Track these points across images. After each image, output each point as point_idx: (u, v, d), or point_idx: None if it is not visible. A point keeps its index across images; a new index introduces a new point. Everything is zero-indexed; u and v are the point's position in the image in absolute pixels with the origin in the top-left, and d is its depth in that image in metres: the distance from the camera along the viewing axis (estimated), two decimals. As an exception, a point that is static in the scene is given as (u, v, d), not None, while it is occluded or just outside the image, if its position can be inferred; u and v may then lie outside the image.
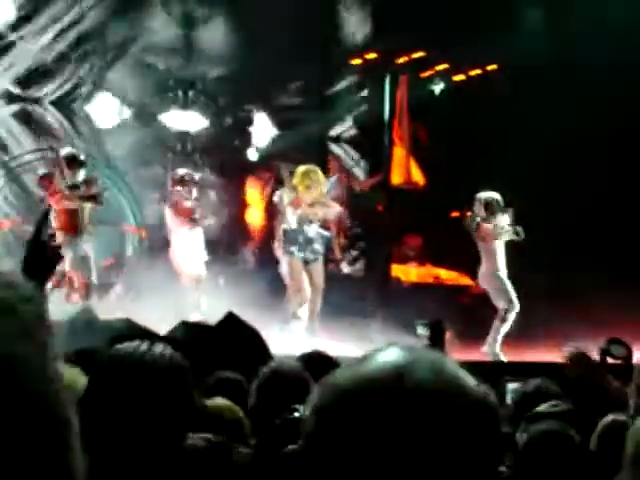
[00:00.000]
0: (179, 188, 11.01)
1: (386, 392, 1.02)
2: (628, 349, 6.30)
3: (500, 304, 10.46)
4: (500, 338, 10.43)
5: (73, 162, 10.39)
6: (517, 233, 10.52)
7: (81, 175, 10.42)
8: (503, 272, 10.48)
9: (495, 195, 10.65)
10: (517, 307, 10.43)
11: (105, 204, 10.95)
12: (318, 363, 3.93)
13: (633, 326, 9.44)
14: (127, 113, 13.45)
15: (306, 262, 10.50)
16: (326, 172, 11.82)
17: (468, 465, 1.00)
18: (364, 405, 1.02)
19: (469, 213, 11.32)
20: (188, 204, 10.95)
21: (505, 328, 10.41)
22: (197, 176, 11.50)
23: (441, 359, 1.08)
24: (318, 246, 10.58)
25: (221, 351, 4.19)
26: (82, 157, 10.61)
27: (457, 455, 1.00)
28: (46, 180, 10.45)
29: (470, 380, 1.06)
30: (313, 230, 10.54)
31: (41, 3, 12.49)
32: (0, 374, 0.87)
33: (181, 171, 11.35)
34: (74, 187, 10.24)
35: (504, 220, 10.59)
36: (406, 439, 0.99)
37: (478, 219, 10.52)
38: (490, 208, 10.51)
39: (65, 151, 10.73)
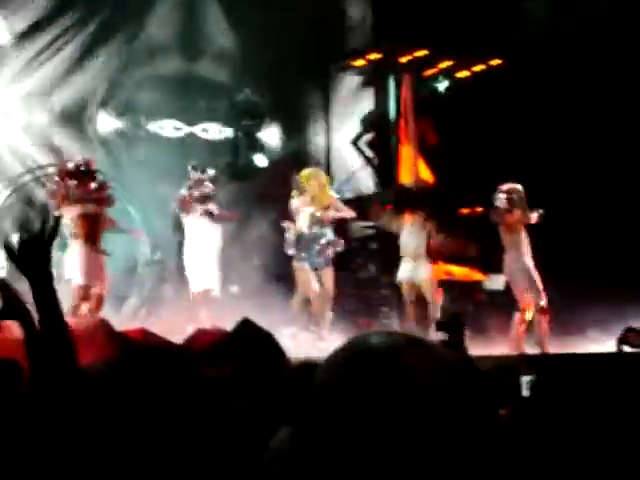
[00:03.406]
0: (196, 188, 10.80)
1: (377, 371, 1.06)
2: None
3: (525, 297, 10.42)
4: (525, 332, 10.37)
5: (86, 172, 10.24)
6: (541, 216, 10.51)
7: (93, 185, 10.29)
8: (529, 260, 10.43)
9: (517, 186, 10.64)
10: (544, 298, 10.38)
11: (114, 212, 10.86)
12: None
13: None
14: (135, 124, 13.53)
15: (316, 268, 10.49)
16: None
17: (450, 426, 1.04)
18: (356, 387, 1.06)
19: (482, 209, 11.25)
20: (198, 195, 10.79)
21: (543, 324, 10.35)
22: (211, 172, 11.12)
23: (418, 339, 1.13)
24: (329, 252, 10.55)
25: (237, 359, 4.19)
26: (94, 167, 10.44)
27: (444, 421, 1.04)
28: (59, 189, 10.17)
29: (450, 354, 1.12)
30: (324, 235, 10.53)
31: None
32: None
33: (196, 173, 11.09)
34: (87, 198, 10.13)
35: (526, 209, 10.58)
36: (400, 413, 1.03)
37: (500, 209, 10.53)
38: (512, 198, 10.50)
39: (77, 161, 10.47)
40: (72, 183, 10.16)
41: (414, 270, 11.22)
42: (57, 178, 10.33)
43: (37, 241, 2.83)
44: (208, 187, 10.84)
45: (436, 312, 10.79)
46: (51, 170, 11.65)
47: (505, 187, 10.66)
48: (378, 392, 1.05)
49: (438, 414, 1.04)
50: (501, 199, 10.56)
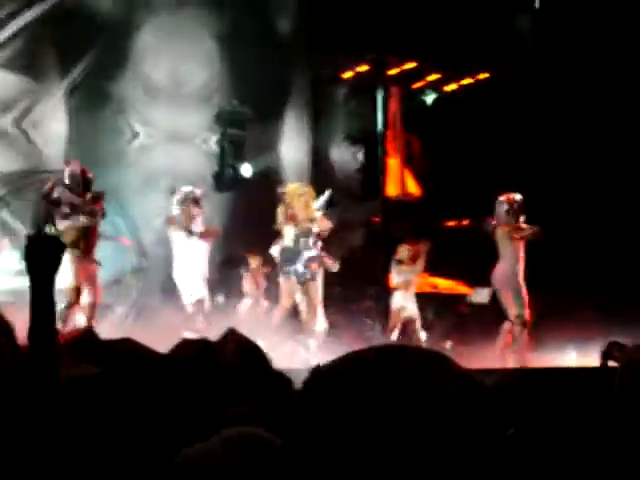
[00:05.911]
0: (184, 207, 10.76)
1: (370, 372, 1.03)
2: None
3: (511, 309, 10.44)
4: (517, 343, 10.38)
5: (81, 178, 10.00)
6: (534, 234, 10.46)
7: (88, 194, 10.05)
8: (520, 272, 10.40)
9: (515, 196, 10.58)
10: (527, 311, 10.37)
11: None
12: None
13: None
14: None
15: (302, 281, 10.45)
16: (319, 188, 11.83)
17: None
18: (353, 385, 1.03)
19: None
20: (187, 217, 10.80)
21: (519, 334, 10.37)
22: (199, 192, 11.13)
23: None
24: (314, 264, 10.50)
25: (223, 369, 4.21)
26: (90, 174, 10.18)
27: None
28: (52, 197, 9.95)
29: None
30: (309, 247, 10.49)
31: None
32: None
33: (184, 189, 11.05)
34: (82, 205, 9.93)
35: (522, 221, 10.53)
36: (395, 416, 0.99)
37: (493, 222, 10.51)
38: (509, 209, 10.45)
39: (73, 167, 10.21)
40: (66, 193, 9.92)
41: (405, 301, 11.58)
42: (52, 185, 10.03)
43: (46, 242, 2.83)
44: (195, 209, 10.79)
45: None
46: (45, 176, 11.49)
47: (505, 197, 10.57)
48: (383, 397, 1.00)
49: (445, 423, 1.00)
50: (498, 209, 10.49)
